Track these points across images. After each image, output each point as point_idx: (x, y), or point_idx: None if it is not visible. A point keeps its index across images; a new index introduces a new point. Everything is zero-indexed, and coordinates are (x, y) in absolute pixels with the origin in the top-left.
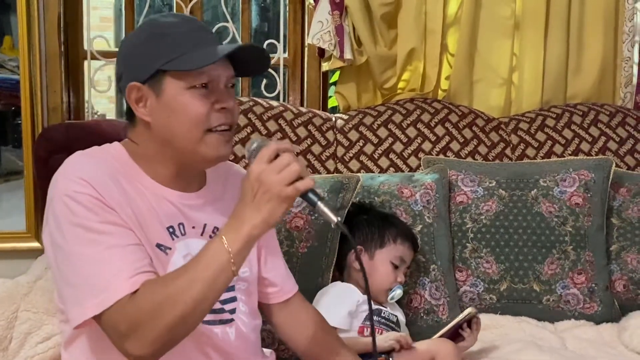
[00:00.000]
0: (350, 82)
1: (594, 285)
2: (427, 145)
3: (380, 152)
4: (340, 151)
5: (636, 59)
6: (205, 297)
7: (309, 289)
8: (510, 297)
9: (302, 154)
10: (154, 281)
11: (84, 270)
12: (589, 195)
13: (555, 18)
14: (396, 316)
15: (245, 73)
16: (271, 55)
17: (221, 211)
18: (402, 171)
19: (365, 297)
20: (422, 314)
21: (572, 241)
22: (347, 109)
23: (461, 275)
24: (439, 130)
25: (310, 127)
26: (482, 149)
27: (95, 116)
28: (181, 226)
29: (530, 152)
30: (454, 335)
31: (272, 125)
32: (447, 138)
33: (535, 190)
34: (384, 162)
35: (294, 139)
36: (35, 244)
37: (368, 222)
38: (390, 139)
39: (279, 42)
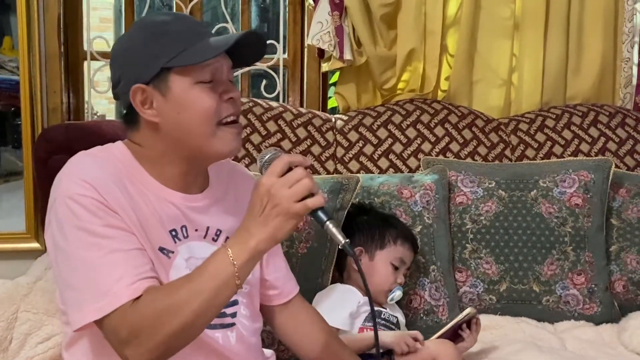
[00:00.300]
0: (349, 83)
1: (593, 285)
2: (426, 146)
3: (379, 152)
4: (340, 152)
5: (636, 60)
6: (207, 310)
7: (308, 290)
8: (510, 298)
9: (302, 154)
10: (157, 289)
11: (85, 274)
12: (588, 196)
13: (554, 19)
14: (396, 317)
15: (242, 63)
16: (271, 56)
17: (224, 212)
18: (402, 172)
19: (366, 298)
20: (421, 315)
21: (571, 242)
22: (346, 109)
23: (461, 276)
24: (439, 131)
25: (309, 127)
26: (482, 150)
27: (95, 117)
28: (184, 229)
29: (529, 152)
30: (454, 336)
31: (271, 126)
32: (446, 139)
33: (534, 191)
34: (383, 162)
35: (294, 139)
36: (35, 245)
37: (368, 223)
38: (389, 140)
39: (278, 42)
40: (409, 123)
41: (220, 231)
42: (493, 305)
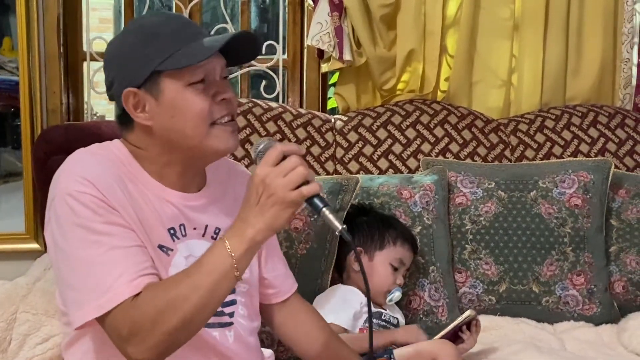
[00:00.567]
0: (349, 84)
1: (593, 286)
2: (426, 147)
3: (379, 153)
4: (340, 152)
5: (635, 60)
6: (208, 303)
7: (308, 291)
8: (510, 299)
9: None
10: (156, 285)
11: (86, 271)
12: (588, 196)
13: (554, 19)
14: (397, 319)
15: (237, 61)
16: (270, 57)
17: (222, 211)
18: (402, 172)
19: None
20: (421, 315)
21: (571, 242)
22: (346, 110)
23: (460, 277)
24: (438, 132)
25: (309, 128)
26: (482, 150)
27: (95, 117)
28: (182, 227)
29: (529, 153)
30: (454, 338)
31: (271, 127)
32: (446, 139)
33: (534, 191)
34: (383, 163)
35: (293, 140)
36: (35, 246)
37: (368, 223)
38: (389, 140)
39: (278, 43)
40: (408, 124)
41: (219, 229)
42: (492, 305)
